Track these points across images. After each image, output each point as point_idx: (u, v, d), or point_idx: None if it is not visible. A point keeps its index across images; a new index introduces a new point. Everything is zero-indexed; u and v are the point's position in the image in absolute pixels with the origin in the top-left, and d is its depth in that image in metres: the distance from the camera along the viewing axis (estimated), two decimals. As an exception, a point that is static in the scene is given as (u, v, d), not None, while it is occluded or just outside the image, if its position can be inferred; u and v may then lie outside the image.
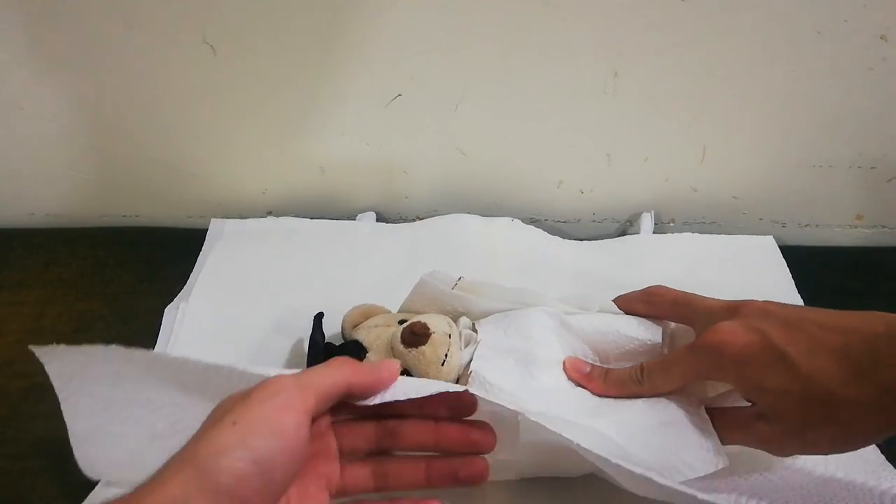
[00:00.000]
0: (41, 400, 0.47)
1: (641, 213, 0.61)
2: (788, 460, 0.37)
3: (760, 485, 0.35)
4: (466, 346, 0.40)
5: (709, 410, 0.36)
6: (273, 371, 0.31)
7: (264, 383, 0.28)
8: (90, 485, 0.39)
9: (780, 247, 0.58)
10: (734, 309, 0.35)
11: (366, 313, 0.45)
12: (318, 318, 0.44)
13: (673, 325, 0.40)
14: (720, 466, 0.33)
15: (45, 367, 0.34)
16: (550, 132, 0.56)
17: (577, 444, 0.31)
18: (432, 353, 0.38)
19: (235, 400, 0.27)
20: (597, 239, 0.61)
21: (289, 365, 0.48)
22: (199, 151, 0.59)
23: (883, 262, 0.60)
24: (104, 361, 0.34)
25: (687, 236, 0.60)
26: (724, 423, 0.35)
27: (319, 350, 0.42)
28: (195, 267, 0.56)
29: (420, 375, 0.38)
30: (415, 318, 0.40)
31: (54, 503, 0.42)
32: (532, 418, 0.32)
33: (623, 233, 0.64)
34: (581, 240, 0.60)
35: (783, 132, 0.55)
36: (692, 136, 0.56)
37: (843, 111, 0.53)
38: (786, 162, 0.57)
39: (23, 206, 0.63)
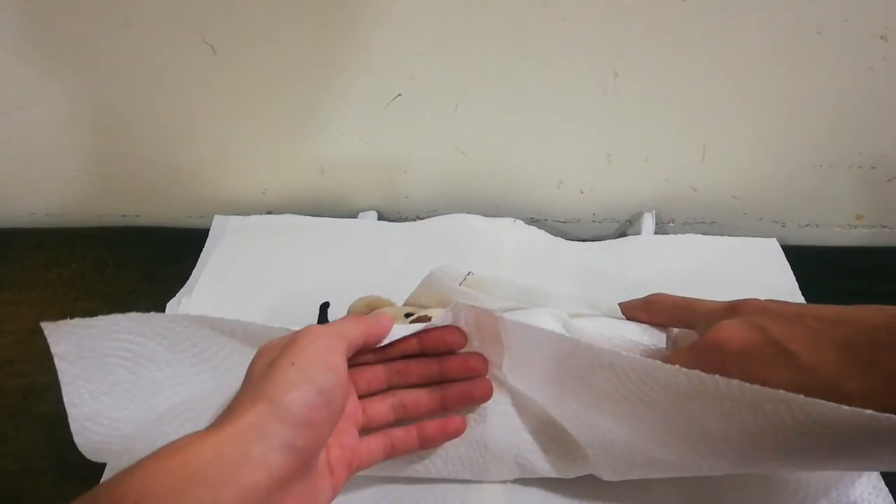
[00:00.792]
0: (41, 400, 0.47)
1: (642, 213, 0.61)
2: None
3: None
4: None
5: None
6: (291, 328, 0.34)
7: (303, 331, 0.32)
8: (90, 484, 0.38)
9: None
10: (734, 308, 0.35)
11: (371, 305, 0.45)
12: (324, 307, 0.45)
13: (676, 330, 0.40)
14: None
15: (51, 349, 0.35)
16: (550, 132, 0.56)
17: (560, 336, 0.35)
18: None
19: (281, 347, 0.31)
20: (597, 239, 0.61)
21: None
22: (199, 151, 0.59)
23: (883, 262, 0.60)
24: (115, 334, 0.35)
25: (690, 238, 0.59)
26: None
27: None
28: (198, 262, 0.56)
29: None
30: (421, 312, 0.40)
31: (54, 503, 0.42)
32: (508, 317, 0.35)
33: (623, 233, 0.64)
34: (582, 240, 0.60)
35: (783, 132, 0.55)
36: (692, 136, 0.56)
37: (843, 111, 0.53)
38: (786, 162, 0.57)
39: (23, 206, 0.63)
